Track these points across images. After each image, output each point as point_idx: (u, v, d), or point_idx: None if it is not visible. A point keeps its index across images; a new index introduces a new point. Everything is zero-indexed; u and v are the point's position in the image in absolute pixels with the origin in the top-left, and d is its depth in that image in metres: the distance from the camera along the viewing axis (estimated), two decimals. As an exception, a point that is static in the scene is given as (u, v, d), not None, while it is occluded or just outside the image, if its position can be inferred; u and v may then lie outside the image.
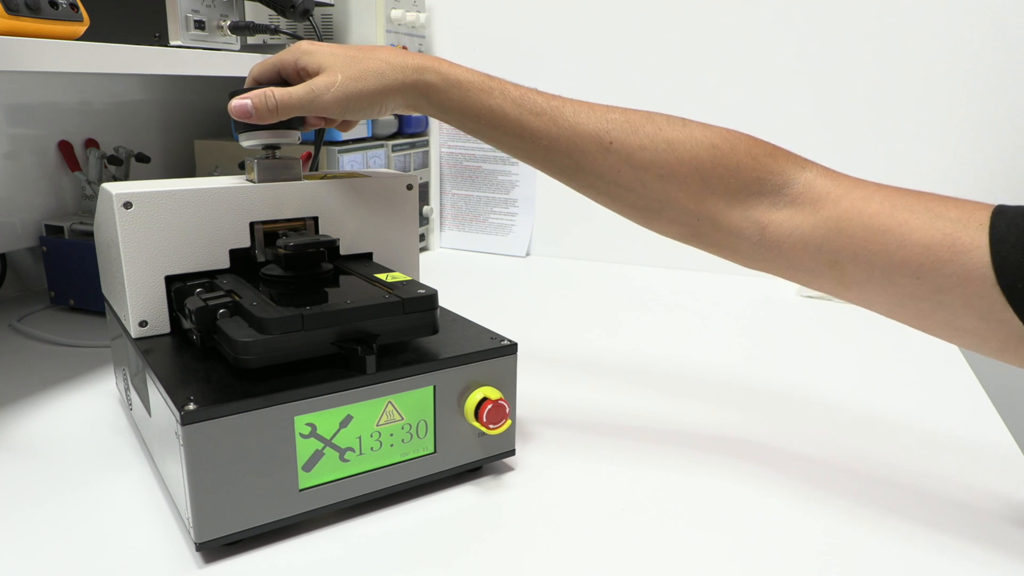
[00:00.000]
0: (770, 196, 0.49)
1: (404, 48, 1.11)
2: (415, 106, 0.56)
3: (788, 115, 1.05)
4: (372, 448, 0.49)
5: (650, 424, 0.64)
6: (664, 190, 0.51)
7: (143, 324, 0.53)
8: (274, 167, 0.57)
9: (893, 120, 1.01)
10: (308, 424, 0.46)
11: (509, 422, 0.52)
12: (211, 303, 0.48)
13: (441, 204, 1.30)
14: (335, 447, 0.47)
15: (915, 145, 1.01)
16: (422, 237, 1.26)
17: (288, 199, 0.57)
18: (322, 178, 0.60)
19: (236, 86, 0.57)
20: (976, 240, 0.43)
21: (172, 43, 0.75)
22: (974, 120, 0.99)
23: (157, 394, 0.47)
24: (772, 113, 1.06)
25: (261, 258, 0.57)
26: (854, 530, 0.49)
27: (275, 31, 0.85)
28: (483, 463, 0.54)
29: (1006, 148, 0.98)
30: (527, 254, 1.26)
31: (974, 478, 0.55)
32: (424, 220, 1.25)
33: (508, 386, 0.53)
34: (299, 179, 0.58)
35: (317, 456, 0.47)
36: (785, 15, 1.03)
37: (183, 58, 0.71)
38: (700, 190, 0.50)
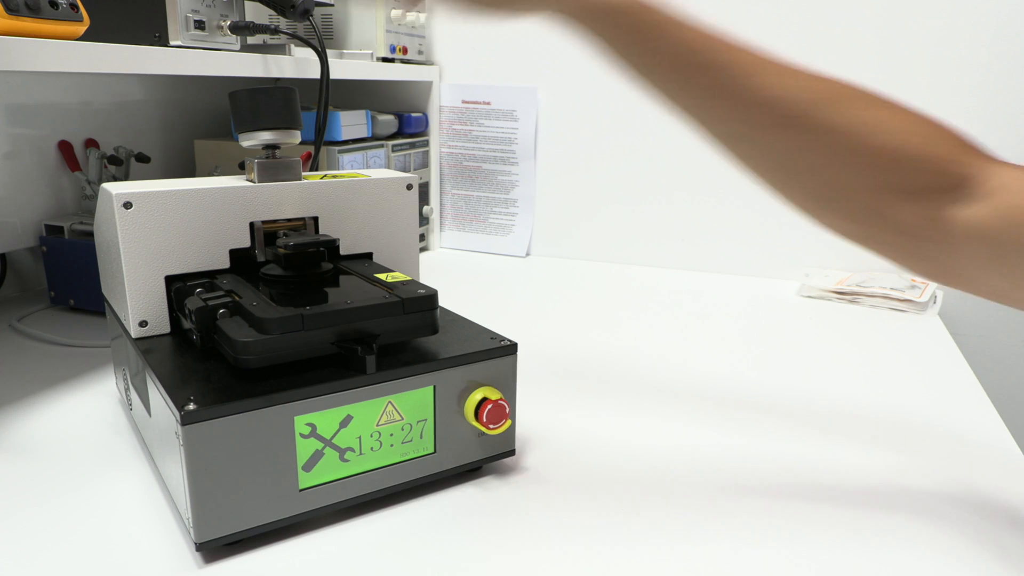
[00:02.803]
0: (952, 192, 0.42)
1: (404, 49, 1.11)
2: (596, 24, 0.46)
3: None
4: (372, 448, 0.49)
5: (650, 424, 0.64)
6: (841, 178, 0.44)
7: (143, 324, 0.53)
8: (274, 167, 0.57)
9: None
10: (308, 424, 0.46)
11: (509, 422, 0.52)
12: (211, 303, 0.48)
13: (441, 204, 1.30)
14: (335, 447, 0.47)
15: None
16: (422, 237, 1.26)
17: (288, 199, 0.57)
18: (322, 178, 0.60)
19: (236, 86, 0.57)
20: None
21: (172, 43, 0.75)
22: (980, 116, 0.99)
23: (157, 394, 0.47)
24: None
25: (261, 258, 0.57)
26: (857, 521, 0.49)
27: (275, 31, 0.85)
28: (483, 463, 0.54)
29: (1010, 146, 0.98)
30: (527, 254, 1.26)
31: (972, 480, 0.55)
32: (424, 220, 1.25)
33: (508, 386, 0.53)
34: (299, 179, 0.58)
35: (317, 456, 0.47)
36: (787, 14, 1.03)
37: (183, 58, 0.70)
38: (881, 184, 0.43)
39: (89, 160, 0.93)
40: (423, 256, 1.25)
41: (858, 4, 1.00)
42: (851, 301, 1.00)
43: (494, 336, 0.54)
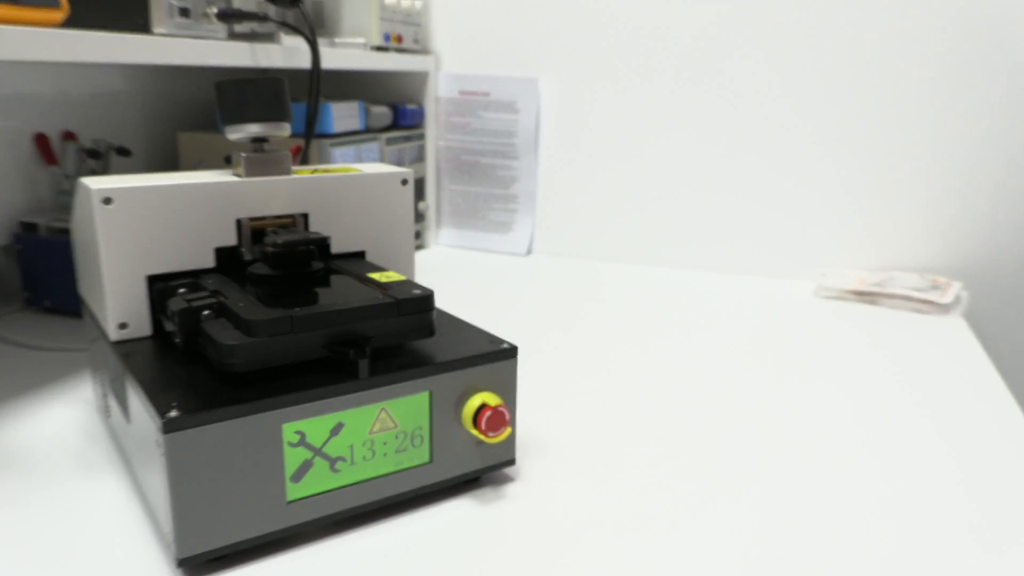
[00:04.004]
0: None
1: (399, 37, 1.09)
2: None
3: (786, 116, 1.04)
4: (364, 457, 0.48)
5: (656, 432, 0.62)
6: None
7: (123, 326, 0.52)
8: (262, 161, 0.56)
9: (883, 119, 1.00)
10: (297, 432, 0.45)
11: (509, 430, 0.51)
12: (195, 304, 0.48)
13: (438, 200, 1.28)
14: (325, 456, 0.46)
15: (908, 143, 1.00)
16: (418, 235, 1.25)
17: (277, 195, 0.56)
18: (312, 173, 0.59)
19: (222, 76, 0.55)
20: None
21: (156, 31, 0.73)
22: (966, 116, 0.98)
23: (137, 400, 0.46)
24: (767, 111, 1.05)
25: (248, 256, 0.56)
26: (874, 530, 0.47)
27: (263, 19, 0.83)
28: (481, 473, 0.53)
29: (1005, 146, 0.97)
30: (528, 252, 1.25)
31: (1002, 495, 0.54)
32: (420, 217, 1.24)
33: (508, 392, 0.52)
34: (288, 174, 0.57)
35: (306, 466, 0.46)
36: (788, 13, 1.02)
37: (167, 47, 0.69)
38: None
39: (66, 153, 0.92)
40: (419, 255, 1.24)
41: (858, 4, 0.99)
42: (870, 302, 0.98)
43: (493, 339, 0.54)
